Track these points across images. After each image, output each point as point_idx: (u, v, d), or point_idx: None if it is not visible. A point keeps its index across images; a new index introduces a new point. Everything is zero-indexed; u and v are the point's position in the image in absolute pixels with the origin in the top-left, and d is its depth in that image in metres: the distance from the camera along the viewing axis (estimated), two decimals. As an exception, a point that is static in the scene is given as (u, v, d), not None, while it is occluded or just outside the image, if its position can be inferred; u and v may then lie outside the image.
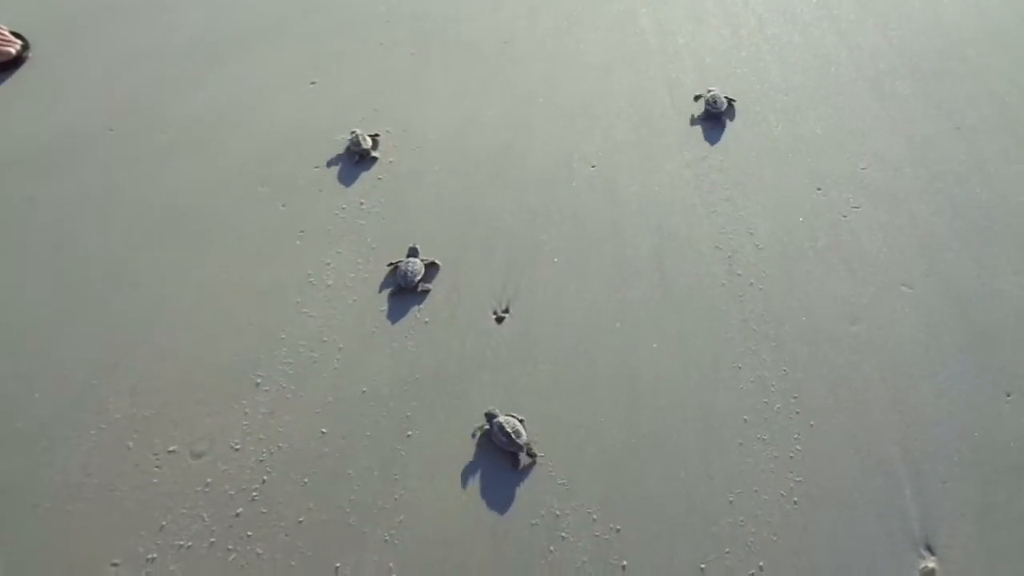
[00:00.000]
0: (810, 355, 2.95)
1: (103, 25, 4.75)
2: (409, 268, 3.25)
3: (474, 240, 3.42)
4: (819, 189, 3.56)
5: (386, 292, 3.23)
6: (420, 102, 4.14)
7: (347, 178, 3.72)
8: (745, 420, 2.76)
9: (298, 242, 3.44)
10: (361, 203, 3.60)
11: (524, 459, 2.70)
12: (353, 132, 3.85)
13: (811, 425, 2.74)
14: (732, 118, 4.01)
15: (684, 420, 2.78)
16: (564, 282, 3.23)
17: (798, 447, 2.69)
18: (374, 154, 3.82)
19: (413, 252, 3.36)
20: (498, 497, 2.60)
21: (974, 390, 2.83)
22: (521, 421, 2.76)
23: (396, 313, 3.14)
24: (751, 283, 3.20)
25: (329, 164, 3.80)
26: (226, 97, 4.22)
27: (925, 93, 4.06)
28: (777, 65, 4.28)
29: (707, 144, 3.81)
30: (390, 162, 3.79)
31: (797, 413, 2.78)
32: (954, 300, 3.11)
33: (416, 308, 3.15)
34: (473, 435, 2.76)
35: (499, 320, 3.12)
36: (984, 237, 3.35)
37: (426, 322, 3.11)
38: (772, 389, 2.84)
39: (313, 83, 4.31)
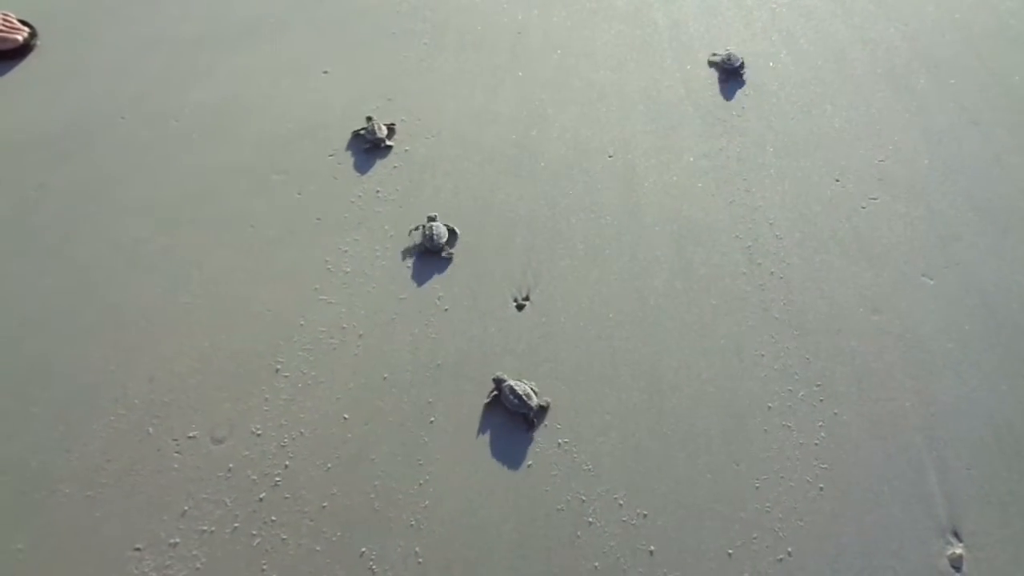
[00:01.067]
0: (832, 344, 2.95)
1: (112, 13, 4.71)
2: (436, 231, 3.30)
3: (492, 228, 3.40)
4: (837, 180, 3.57)
5: (404, 284, 3.20)
6: (434, 92, 4.12)
7: (362, 166, 3.70)
8: (769, 408, 2.76)
9: (314, 229, 3.41)
10: (377, 191, 3.58)
11: (535, 420, 2.73)
12: (369, 120, 3.83)
13: (835, 413, 2.74)
14: (744, 74, 4.25)
15: (708, 407, 2.77)
16: (584, 271, 3.22)
17: (823, 434, 2.68)
18: (389, 143, 3.79)
19: (432, 219, 3.41)
20: (523, 483, 2.58)
21: (996, 378, 2.84)
22: (532, 388, 2.79)
23: (416, 299, 3.12)
24: (771, 272, 3.19)
25: (344, 152, 3.78)
26: (238, 85, 4.18)
27: (940, 87, 4.07)
28: (792, 58, 4.28)
29: (724, 135, 3.81)
30: (405, 151, 3.77)
31: (821, 401, 2.78)
32: (974, 291, 3.12)
33: (436, 296, 3.13)
34: (491, 405, 2.78)
35: (520, 307, 3.11)
36: (1001, 229, 3.36)
37: (446, 309, 3.09)
38: (795, 377, 2.84)
39: (326, 72, 4.28)
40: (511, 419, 2.74)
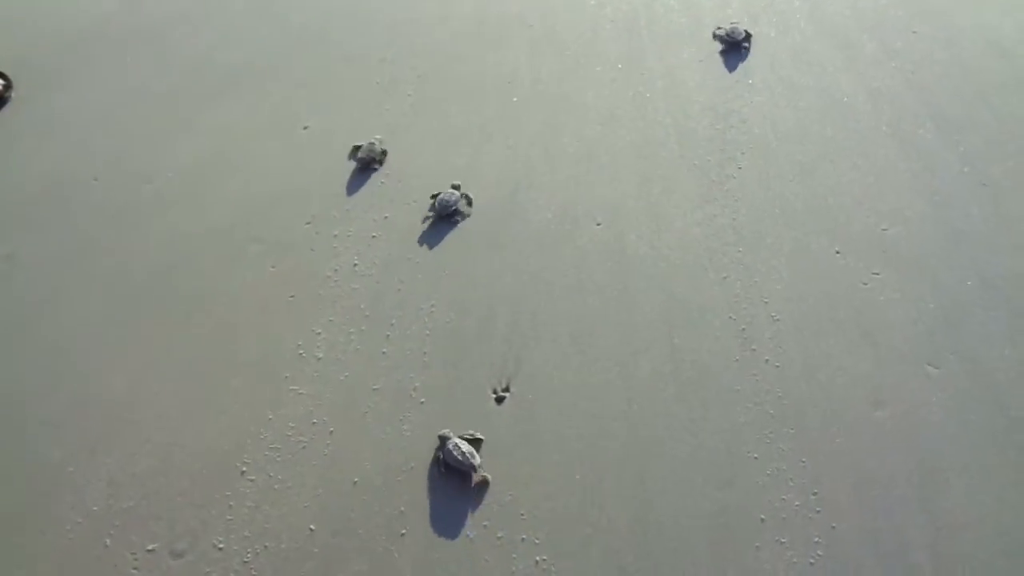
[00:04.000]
0: (831, 444, 2.76)
1: (90, 64, 4.58)
2: (449, 197, 3.57)
3: (473, 307, 3.24)
4: (838, 252, 3.37)
5: (379, 373, 3.05)
6: (418, 150, 3.96)
7: (341, 236, 3.55)
8: (762, 520, 2.58)
9: (288, 308, 3.27)
10: (355, 264, 3.42)
11: (476, 479, 2.68)
12: (455, 188, 3.70)
13: (833, 527, 2.56)
14: (749, 47, 4.49)
15: (697, 518, 2.59)
16: (568, 357, 3.05)
17: (819, 552, 2.50)
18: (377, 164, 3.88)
19: (455, 187, 3.67)
20: (498, 608, 2.43)
21: (1008, 486, 2.64)
22: (475, 443, 2.76)
23: (390, 390, 2.97)
24: (766, 359, 3.01)
25: (322, 220, 3.63)
26: (216, 144, 4.04)
27: (949, 143, 3.85)
28: (791, 111, 4.08)
29: (719, 199, 3.63)
30: (385, 218, 3.62)
31: (818, 512, 2.59)
32: (983, 381, 2.92)
33: (412, 387, 2.97)
34: (435, 463, 2.75)
35: (499, 400, 2.94)
36: (1012, 308, 3.15)
37: (422, 402, 2.93)
38: (790, 484, 2.66)
39: (306, 128, 4.14)
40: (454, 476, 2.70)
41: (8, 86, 4.41)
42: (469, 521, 2.60)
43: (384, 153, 3.89)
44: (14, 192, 3.81)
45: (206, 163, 3.95)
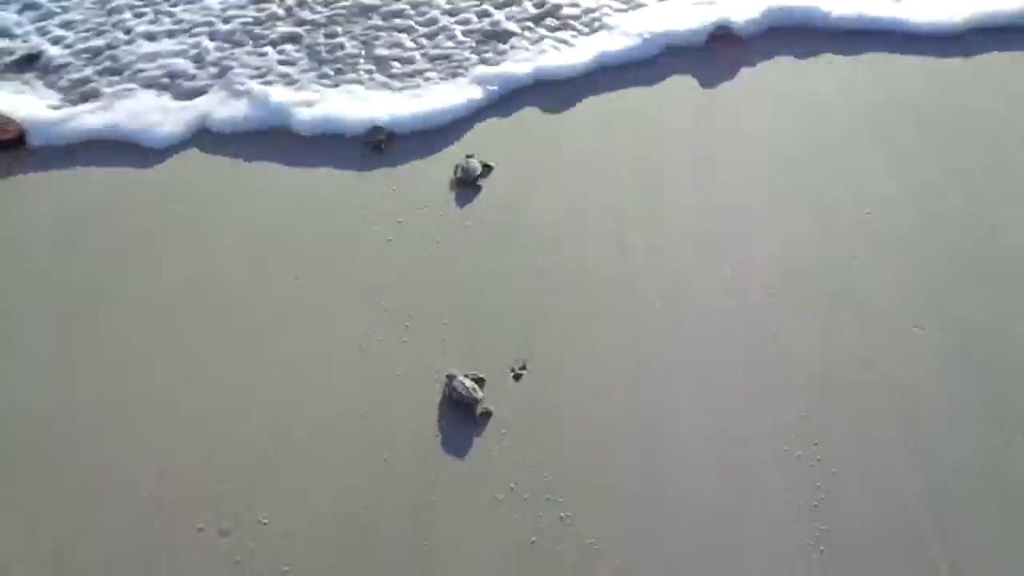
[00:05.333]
0: (827, 401, 2.97)
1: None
2: (470, 164, 4.01)
3: (486, 300, 3.47)
4: (824, 235, 3.62)
5: (402, 360, 3.27)
6: (425, 165, 4.23)
7: (356, 245, 3.79)
8: (767, 470, 2.78)
9: (313, 311, 3.50)
10: (373, 266, 3.66)
11: (479, 410, 3.00)
12: (469, 158, 4.11)
13: (833, 472, 2.76)
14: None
15: (705, 471, 2.80)
16: (577, 337, 3.29)
17: (821, 496, 2.70)
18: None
19: (469, 156, 4.09)
20: (529, 560, 2.60)
21: (992, 431, 2.85)
22: (479, 381, 3.07)
23: (413, 375, 3.18)
24: (763, 330, 3.24)
25: (339, 231, 3.87)
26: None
27: (921, 137, 4.11)
28: (776, 118, 4.38)
29: (710, 192, 3.89)
30: (399, 223, 3.88)
31: (818, 460, 2.80)
32: (964, 341, 3.14)
33: (434, 370, 3.18)
34: (444, 398, 3.07)
35: (517, 377, 3.15)
36: (984, 275, 3.39)
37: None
38: (791, 437, 2.87)
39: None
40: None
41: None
42: (496, 485, 2.80)
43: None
44: (43, 216, 4.08)
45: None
